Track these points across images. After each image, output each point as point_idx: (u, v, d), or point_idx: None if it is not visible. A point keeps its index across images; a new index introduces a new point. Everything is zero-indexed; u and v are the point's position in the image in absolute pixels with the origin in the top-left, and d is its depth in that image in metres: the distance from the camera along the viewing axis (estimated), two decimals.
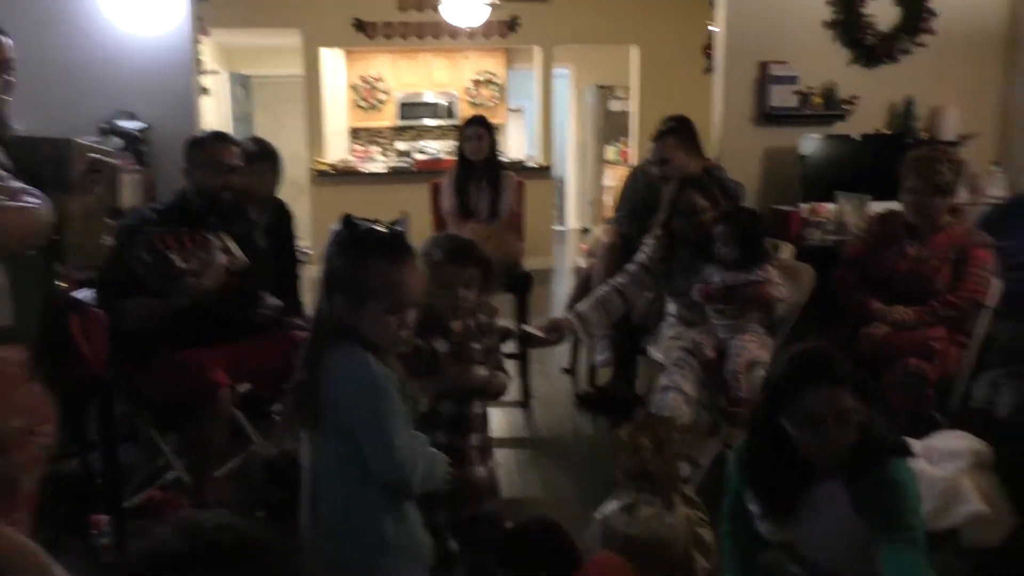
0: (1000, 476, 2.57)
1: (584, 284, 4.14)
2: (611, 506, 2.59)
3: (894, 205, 3.37)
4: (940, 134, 4.37)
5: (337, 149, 8.89)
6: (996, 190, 4.36)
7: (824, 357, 1.89)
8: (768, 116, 4.42)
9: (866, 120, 4.48)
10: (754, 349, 3.08)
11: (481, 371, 2.28)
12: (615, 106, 10.23)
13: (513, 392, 4.16)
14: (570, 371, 4.65)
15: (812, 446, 1.88)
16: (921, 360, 2.91)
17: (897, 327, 3.06)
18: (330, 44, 8.16)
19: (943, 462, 2.50)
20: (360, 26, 7.76)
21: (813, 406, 1.84)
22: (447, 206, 4.43)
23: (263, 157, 3.68)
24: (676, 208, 3.26)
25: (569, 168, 11.20)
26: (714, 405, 3.29)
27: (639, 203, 4.11)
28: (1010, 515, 2.46)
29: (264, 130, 8.03)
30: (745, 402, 3.01)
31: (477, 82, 9.42)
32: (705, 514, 2.58)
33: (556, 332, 3.19)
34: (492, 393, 2.32)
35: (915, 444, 2.21)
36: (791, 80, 4.41)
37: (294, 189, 6.63)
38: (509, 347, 4.15)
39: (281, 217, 3.82)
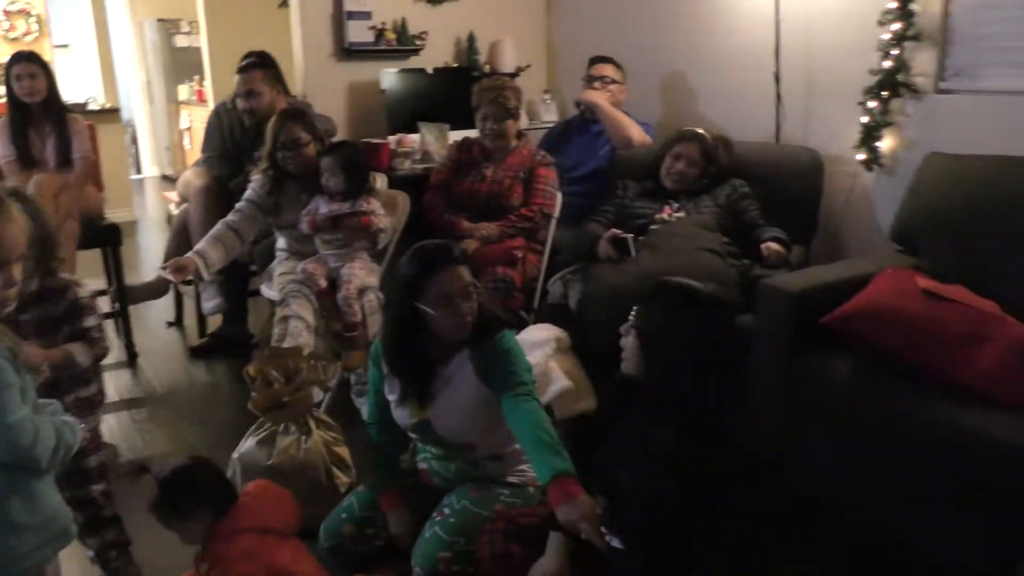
0: (579, 357, 3.07)
1: (182, 231, 3.99)
2: (247, 443, 2.63)
3: (470, 132, 3.73)
4: (500, 66, 4.84)
5: None
6: (549, 115, 4.97)
7: (442, 246, 2.19)
8: (348, 51, 4.54)
9: (437, 54, 4.80)
10: (363, 276, 3.26)
11: (35, 348, 2.12)
12: (182, 42, 9.62)
13: (116, 353, 3.93)
14: (176, 324, 4.48)
15: (448, 321, 2.14)
16: (507, 268, 3.32)
17: (484, 241, 3.42)
18: None
19: (534, 351, 2.90)
20: None
21: (443, 286, 2.11)
22: (2, 155, 3.93)
23: None
24: (279, 141, 3.28)
25: (139, 111, 10.38)
26: (330, 332, 3.42)
27: (227, 142, 4.03)
28: (590, 387, 2.95)
29: None
30: (360, 326, 3.19)
31: (9, 12, 8.26)
32: (339, 434, 2.73)
33: (181, 272, 3.10)
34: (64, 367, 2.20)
35: None
36: (365, 16, 4.56)
37: None
38: (105, 306, 3.90)
39: None
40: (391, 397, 2.33)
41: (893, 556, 2.30)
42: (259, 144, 3.53)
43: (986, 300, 2.37)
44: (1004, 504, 1.99)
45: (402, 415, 2.31)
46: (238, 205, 3.33)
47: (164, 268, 3.15)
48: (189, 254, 3.19)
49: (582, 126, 4.09)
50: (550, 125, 4.57)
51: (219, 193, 3.91)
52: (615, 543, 1.91)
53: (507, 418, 2.14)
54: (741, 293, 2.89)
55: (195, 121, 8.83)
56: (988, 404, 2.12)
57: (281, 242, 3.48)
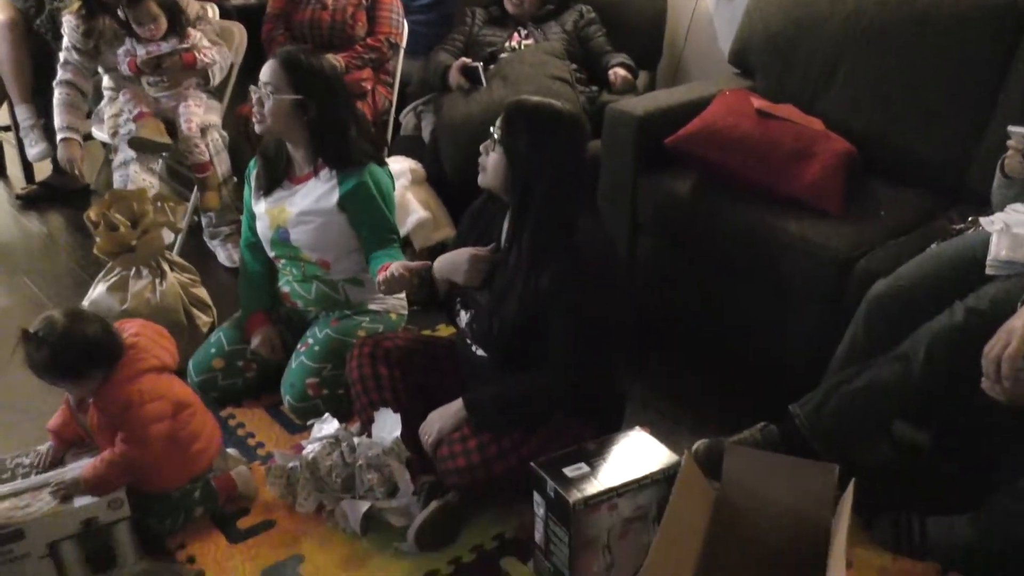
0: (434, 187, 3.10)
1: None
2: (97, 290, 2.56)
3: None
4: None
5: None
6: None
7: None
8: None
9: None
10: (202, 114, 3.12)
11: None
12: None
13: None
14: None
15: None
16: (357, 100, 3.24)
17: None
18: None
19: None
20: None
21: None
22: None
23: None
24: None
25: None
26: (173, 173, 3.30)
27: None
28: (447, 217, 3.01)
29: None
30: (209, 165, 3.09)
31: None
32: (195, 275, 2.69)
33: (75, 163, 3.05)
34: None
35: None
36: None
37: None
38: None
39: None
40: (256, 208, 2.39)
41: (725, 354, 2.54)
42: None
43: (813, 118, 2.55)
44: (821, 299, 2.23)
45: (263, 226, 2.36)
46: (63, 57, 3.10)
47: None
48: (68, 137, 3.07)
49: None
50: None
51: (27, 26, 3.57)
52: (480, 352, 2.03)
53: (370, 265, 2.22)
54: (590, 120, 2.96)
55: None
56: (813, 214, 2.32)
57: (107, 80, 3.25)
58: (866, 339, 1.99)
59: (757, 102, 2.55)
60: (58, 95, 3.11)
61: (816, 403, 1.96)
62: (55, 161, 3.78)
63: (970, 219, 2.10)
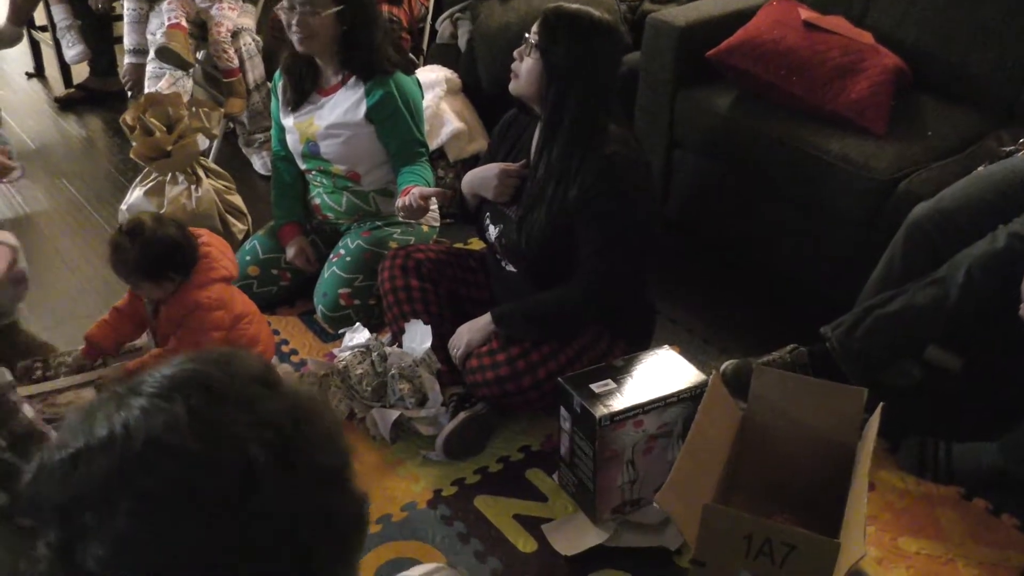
0: (469, 98, 3.05)
1: None
2: (135, 194, 2.58)
3: None
4: None
5: None
6: None
7: None
8: None
9: None
10: (235, 17, 3.09)
11: None
12: None
13: None
14: (37, 75, 4.17)
15: (287, 30, 2.24)
16: (393, 7, 3.17)
17: None
18: None
19: (427, 93, 2.86)
20: None
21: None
22: None
23: None
24: None
25: None
26: (209, 78, 3.28)
27: None
28: (482, 128, 2.97)
29: None
30: (237, 71, 3.06)
31: None
32: (230, 182, 2.70)
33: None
34: None
35: None
36: None
37: None
38: None
39: None
40: (284, 122, 2.38)
41: (757, 275, 2.52)
42: None
43: (863, 31, 2.45)
44: (859, 221, 2.18)
45: (293, 140, 2.36)
46: None
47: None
48: (135, 61, 3.15)
49: None
50: None
51: None
52: (509, 268, 2.03)
53: (397, 181, 2.22)
54: (630, 31, 2.88)
55: None
56: (857, 133, 2.25)
57: None
58: (903, 263, 1.95)
59: (805, 13, 2.45)
60: (127, 11, 3.15)
61: (848, 326, 1.94)
62: (92, 64, 3.78)
63: (1021, 141, 2.03)
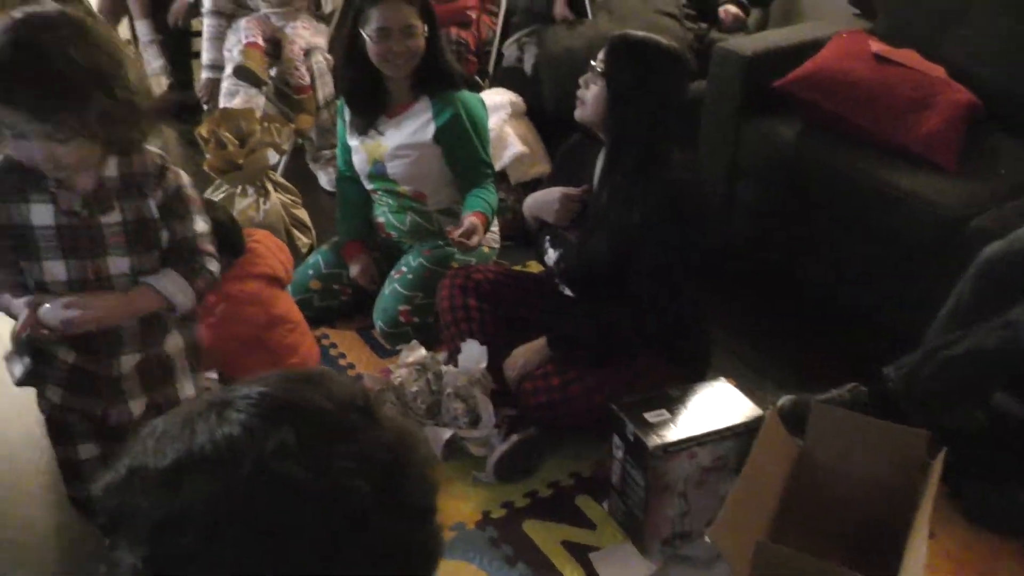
0: (533, 121, 3.07)
1: None
2: None
3: None
4: None
5: None
6: None
7: None
8: None
9: None
10: (308, 36, 3.16)
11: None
12: None
13: None
14: None
15: (379, 55, 2.21)
16: (461, 29, 3.23)
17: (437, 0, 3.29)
18: None
19: (492, 115, 2.89)
20: None
21: (382, 19, 2.16)
22: None
23: None
24: None
25: None
26: (281, 95, 3.35)
27: None
28: (544, 152, 2.99)
29: None
30: (308, 88, 3.13)
31: None
32: (296, 196, 2.76)
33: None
34: None
35: None
36: None
37: None
38: None
39: None
40: (351, 142, 2.40)
41: (831, 312, 2.47)
42: None
43: (935, 65, 2.41)
44: (927, 258, 2.14)
45: (360, 160, 2.39)
46: None
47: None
48: (211, 76, 3.23)
49: None
50: None
51: None
52: (567, 292, 2.03)
53: (464, 204, 2.26)
54: (696, 58, 2.87)
55: None
56: (926, 168, 2.21)
57: (208, 2, 3.30)
58: (972, 303, 1.90)
59: (875, 46, 2.42)
60: (206, 27, 3.23)
61: (913, 367, 1.89)
62: (171, 75, 3.91)
63: None
